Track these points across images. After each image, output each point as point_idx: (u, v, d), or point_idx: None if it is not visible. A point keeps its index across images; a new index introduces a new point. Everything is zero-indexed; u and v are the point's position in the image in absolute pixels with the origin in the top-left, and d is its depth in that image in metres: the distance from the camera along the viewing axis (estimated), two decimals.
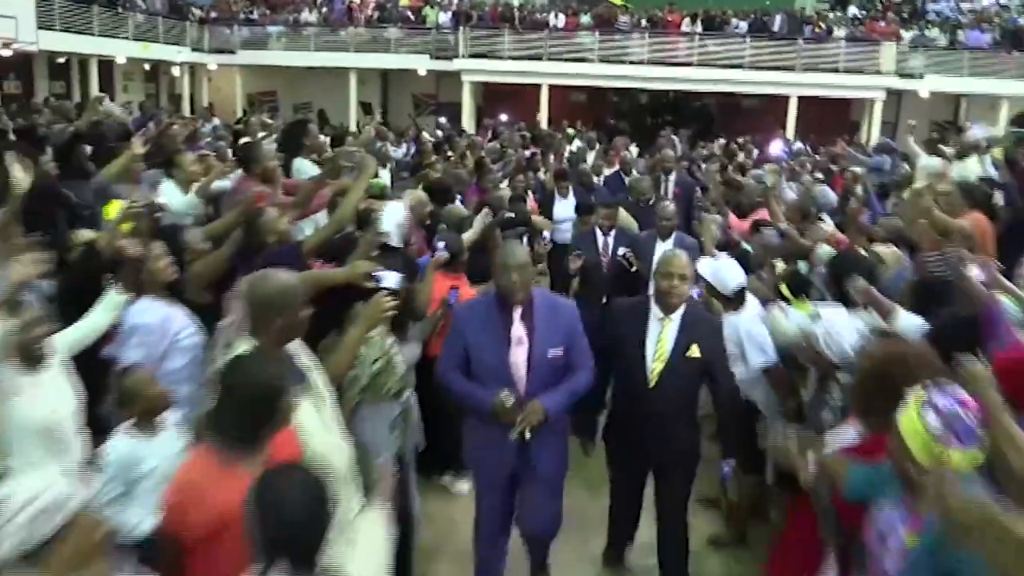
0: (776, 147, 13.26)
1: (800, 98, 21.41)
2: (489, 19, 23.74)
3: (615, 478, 4.06)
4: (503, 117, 18.51)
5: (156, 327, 3.43)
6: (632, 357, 3.65)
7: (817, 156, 12.38)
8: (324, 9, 25.36)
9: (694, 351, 3.61)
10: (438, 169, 8.18)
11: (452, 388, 3.55)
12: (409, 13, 24.48)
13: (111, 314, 3.43)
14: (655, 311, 3.67)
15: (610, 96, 25.41)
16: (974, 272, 3.71)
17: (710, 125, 23.40)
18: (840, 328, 3.34)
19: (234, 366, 2.36)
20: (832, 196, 7.53)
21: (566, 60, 22.44)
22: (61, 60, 21.30)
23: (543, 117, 21.67)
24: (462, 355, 3.50)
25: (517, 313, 3.43)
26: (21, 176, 4.04)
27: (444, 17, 23.78)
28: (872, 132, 20.83)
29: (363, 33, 24.24)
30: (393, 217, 4.53)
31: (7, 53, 17.83)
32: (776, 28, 21.96)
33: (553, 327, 3.47)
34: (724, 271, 4.10)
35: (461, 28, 22.99)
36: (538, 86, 22.55)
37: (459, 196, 6.81)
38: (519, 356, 3.44)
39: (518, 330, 3.43)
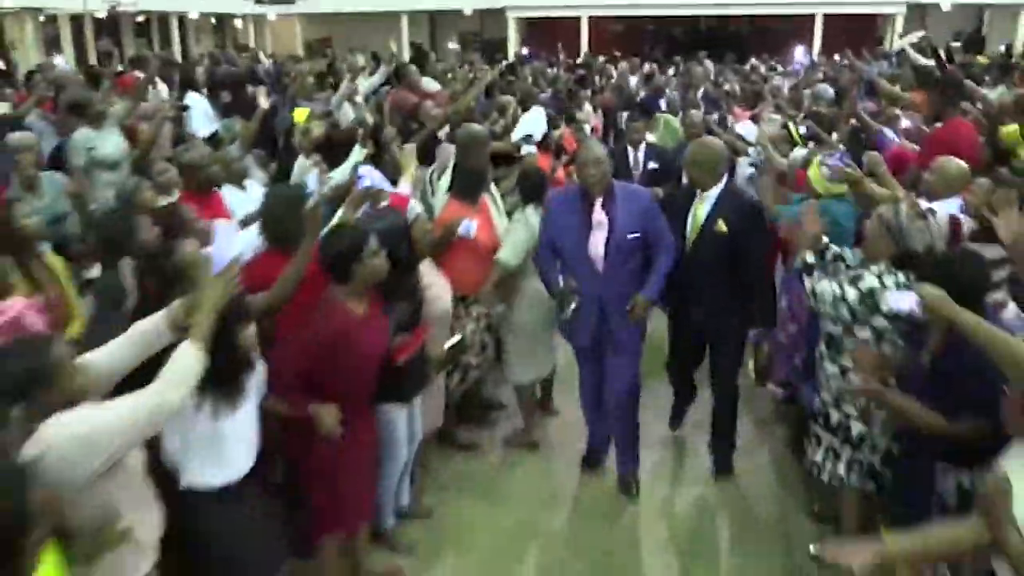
0: (798, 54, 15.09)
1: (826, 16, 22.74)
2: None
3: (672, 348, 4.61)
4: (524, 50, 20.04)
5: None
6: (676, 228, 4.12)
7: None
8: None
9: (721, 226, 4.04)
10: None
11: (540, 268, 4.21)
12: None
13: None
14: (699, 193, 4.18)
15: (646, 26, 26.84)
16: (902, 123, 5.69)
17: (743, 50, 24.80)
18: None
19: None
20: (830, 92, 9.31)
21: None
22: (141, 19, 23.43)
23: (583, 48, 23.31)
24: (551, 240, 4.06)
25: (599, 202, 3.89)
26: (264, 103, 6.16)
27: None
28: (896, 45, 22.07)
29: None
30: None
31: (102, 14, 19.98)
32: None
33: (631, 213, 3.91)
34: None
35: None
36: (577, 19, 24.15)
37: None
38: (599, 238, 3.90)
39: (599, 215, 3.89)
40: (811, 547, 3.67)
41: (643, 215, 3.95)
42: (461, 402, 4.75)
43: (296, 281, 3.02)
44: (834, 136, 5.97)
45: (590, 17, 24.23)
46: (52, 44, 19.73)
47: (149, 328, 2.42)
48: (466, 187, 4.47)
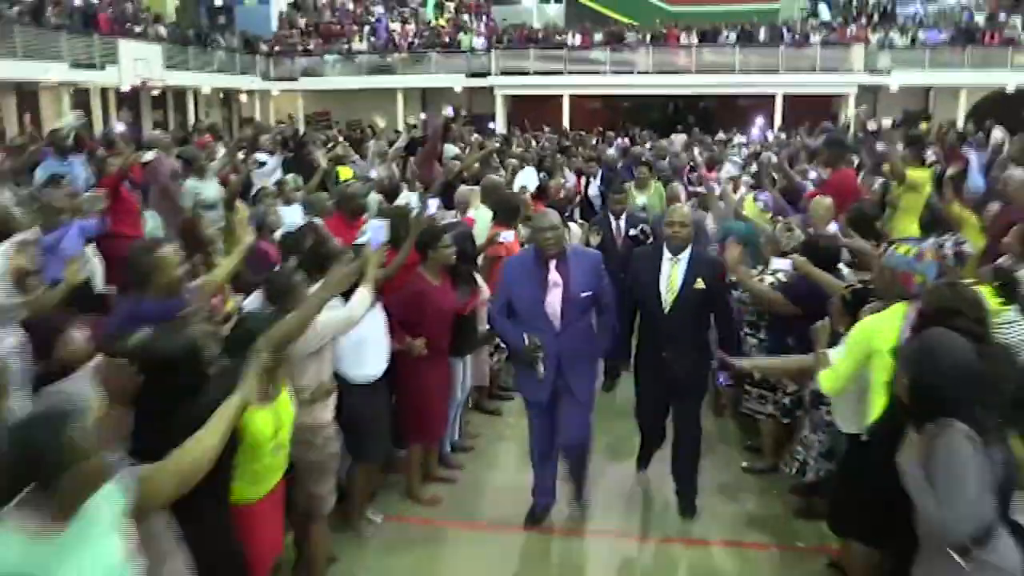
0: (756, 127, 17.49)
1: (785, 96, 25.18)
2: (516, 40, 27.67)
3: (642, 398, 4.87)
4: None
5: None
6: (649, 288, 4.51)
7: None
8: (371, 38, 29.36)
9: (699, 283, 4.43)
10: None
11: (498, 328, 4.58)
12: (447, 38, 28.45)
13: None
14: (667, 254, 4.53)
15: (622, 103, 29.24)
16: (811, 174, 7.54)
17: (711, 123, 27.12)
18: None
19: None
20: (774, 157, 11.23)
21: (583, 73, 26.39)
22: (156, 93, 25.41)
23: (565, 122, 25.51)
24: (507, 301, 4.41)
25: (553, 264, 4.26)
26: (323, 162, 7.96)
27: (478, 41, 27.76)
28: (850, 123, 24.44)
29: (406, 58, 28.25)
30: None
31: (126, 88, 21.92)
32: (761, 38, 25.77)
33: (583, 273, 4.31)
34: None
35: (493, 50, 26.95)
36: (560, 96, 26.47)
37: None
38: (555, 297, 4.27)
39: (554, 276, 4.26)
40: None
41: (593, 274, 4.35)
42: (490, 379, 6.37)
43: (402, 262, 4.69)
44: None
45: (571, 95, 26.55)
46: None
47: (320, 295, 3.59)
48: (505, 214, 6.18)
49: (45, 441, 2.02)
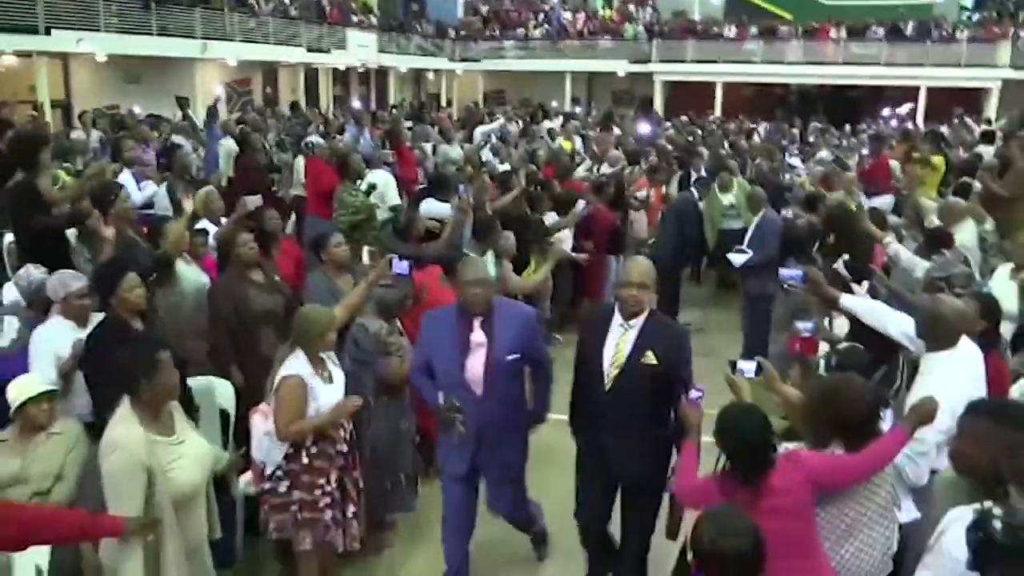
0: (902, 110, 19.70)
1: (929, 88, 26.78)
2: (676, 32, 30.47)
3: (581, 494, 3.96)
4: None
5: None
6: (591, 361, 3.67)
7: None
8: (546, 26, 32.84)
9: (650, 357, 3.55)
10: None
11: (416, 388, 4.03)
12: (613, 27, 31.62)
13: None
14: (617, 318, 3.67)
15: (774, 90, 31.43)
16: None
17: (857, 112, 28.88)
18: None
19: None
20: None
21: (736, 62, 28.85)
22: (361, 70, 29.93)
23: (717, 108, 28.13)
24: (426, 360, 3.85)
25: (477, 322, 3.72)
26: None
27: (641, 30, 30.78)
28: (993, 115, 25.79)
29: (576, 45, 31.56)
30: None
31: (342, 68, 26.50)
32: (908, 32, 27.46)
33: (512, 332, 3.74)
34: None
35: (654, 40, 29.89)
36: (714, 84, 29.09)
37: None
38: (477, 360, 3.72)
39: (477, 336, 3.71)
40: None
41: (524, 334, 3.80)
42: None
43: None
44: None
45: (724, 83, 29.13)
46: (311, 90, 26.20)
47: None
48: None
49: (134, 362, 2.99)
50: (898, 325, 3.67)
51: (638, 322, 3.64)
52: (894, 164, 10.04)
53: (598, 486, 3.90)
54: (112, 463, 2.87)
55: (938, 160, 9.48)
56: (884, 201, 8.87)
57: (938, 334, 3.41)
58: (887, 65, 27.02)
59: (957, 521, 2.32)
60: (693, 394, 3.43)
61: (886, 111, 22.68)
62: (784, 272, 4.31)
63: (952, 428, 2.79)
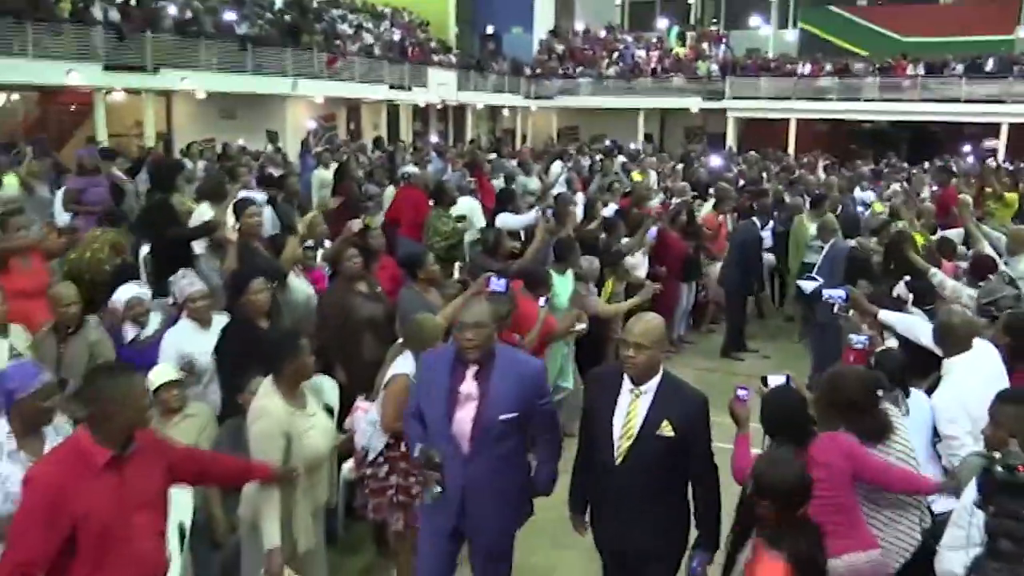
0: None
1: (1011, 124, 26.38)
2: (750, 69, 30.73)
3: (604, 562, 3.64)
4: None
5: None
6: (600, 432, 3.33)
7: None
8: (619, 63, 33.48)
9: (666, 428, 3.21)
10: None
11: (404, 428, 3.69)
12: (686, 64, 32.09)
13: None
14: (626, 383, 3.30)
15: (847, 127, 31.32)
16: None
17: (936, 149, 28.59)
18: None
19: None
20: None
21: (810, 99, 28.90)
22: (439, 107, 31.00)
23: (791, 144, 28.18)
24: (418, 403, 3.53)
25: (471, 371, 3.34)
26: None
27: (714, 67, 31.13)
28: None
29: (648, 83, 32.08)
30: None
31: (422, 104, 27.58)
32: (988, 67, 27.14)
33: (510, 387, 3.34)
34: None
35: (728, 77, 30.20)
36: (787, 120, 29.18)
37: None
38: (466, 415, 3.34)
39: (469, 386, 3.34)
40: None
41: (525, 390, 3.39)
42: None
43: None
44: None
45: (798, 119, 29.21)
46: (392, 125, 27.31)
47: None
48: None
49: (279, 345, 3.63)
50: (928, 336, 4.35)
51: (651, 387, 3.30)
52: (965, 198, 10.17)
53: (611, 563, 3.61)
54: (258, 428, 3.44)
55: (1011, 197, 9.62)
56: (956, 232, 9.00)
57: (951, 341, 4.10)
58: (966, 102, 26.75)
59: (972, 487, 2.87)
60: (740, 392, 3.51)
61: (967, 147, 22.45)
62: (827, 292, 4.97)
63: (967, 424, 3.67)
